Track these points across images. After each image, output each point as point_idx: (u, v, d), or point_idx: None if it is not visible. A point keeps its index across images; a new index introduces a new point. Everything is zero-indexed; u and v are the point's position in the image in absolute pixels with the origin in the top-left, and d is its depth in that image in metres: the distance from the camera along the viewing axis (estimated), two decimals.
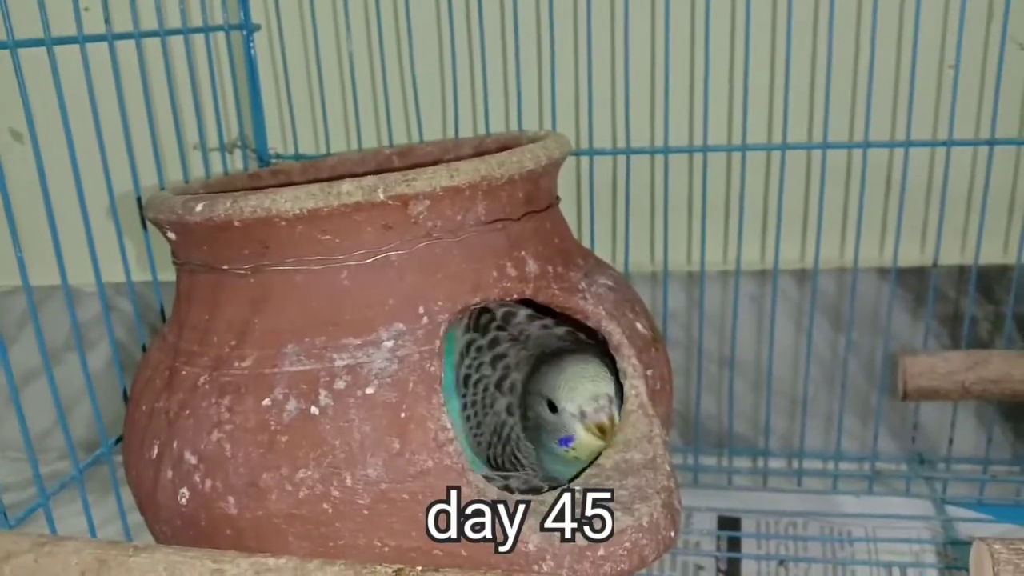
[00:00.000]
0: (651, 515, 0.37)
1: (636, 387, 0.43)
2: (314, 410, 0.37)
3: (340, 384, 0.37)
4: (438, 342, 0.38)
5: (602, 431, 0.40)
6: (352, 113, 0.69)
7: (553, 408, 0.41)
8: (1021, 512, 0.62)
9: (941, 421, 0.68)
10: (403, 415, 0.37)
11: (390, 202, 0.38)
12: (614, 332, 0.43)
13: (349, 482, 0.36)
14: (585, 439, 0.41)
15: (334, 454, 0.37)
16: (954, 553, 0.57)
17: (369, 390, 0.37)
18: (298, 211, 0.37)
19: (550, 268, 0.43)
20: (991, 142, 0.58)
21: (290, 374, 0.38)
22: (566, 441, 0.41)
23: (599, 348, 0.45)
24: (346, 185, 0.37)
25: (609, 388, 0.41)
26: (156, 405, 0.41)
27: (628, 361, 0.44)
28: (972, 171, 0.65)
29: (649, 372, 0.44)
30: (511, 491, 0.40)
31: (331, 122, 0.69)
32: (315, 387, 0.38)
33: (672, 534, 0.38)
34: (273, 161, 0.67)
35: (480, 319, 0.47)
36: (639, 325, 0.46)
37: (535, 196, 0.43)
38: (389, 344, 0.38)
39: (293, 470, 0.37)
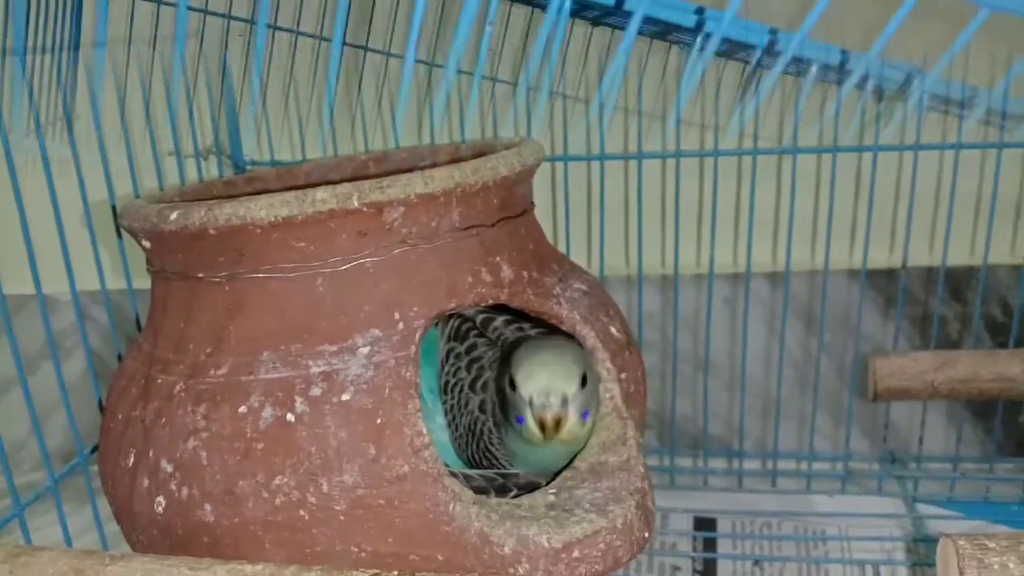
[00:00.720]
0: (625, 517, 0.38)
1: (611, 390, 0.44)
2: (290, 417, 0.37)
3: (316, 391, 0.38)
4: (414, 348, 0.39)
5: (543, 427, 0.40)
6: (327, 119, 0.69)
7: (513, 385, 0.41)
8: (990, 509, 0.64)
9: (912, 420, 0.69)
10: (379, 421, 0.37)
11: (364, 209, 0.38)
12: (588, 336, 0.44)
13: (325, 488, 0.37)
14: (531, 426, 0.41)
15: (310, 461, 0.37)
16: (924, 550, 0.58)
17: (345, 396, 0.38)
18: (273, 219, 0.37)
19: (525, 273, 0.44)
20: (957, 146, 0.59)
21: (266, 381, 0.38)
22: (519, 420, 0.41)
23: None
24: (320, 192, 0.37)
25: (567, 385, 0.40)
26: (132, 414, 0.41)
27: (602, 365, 0.44)
28: (939, 174, 0.66)
29: (623, 375, 0.45)
30: (487, 492, 0.40)
31: (306, 128, 0.69)
32: (291, 394, 0.38)
33: (646, 535, 0.38)
34: (248, 168, 0.67)
35: (460, 328, 0.48)
36: (613, 329, 0.46)
37: (510, 202, 0.44)
38: (365, 350, 0.39)
39: (269, 477, 0.37)
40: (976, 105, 0.28)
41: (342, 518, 0.37)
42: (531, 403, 0.40)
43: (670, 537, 0.62)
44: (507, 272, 0.43)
